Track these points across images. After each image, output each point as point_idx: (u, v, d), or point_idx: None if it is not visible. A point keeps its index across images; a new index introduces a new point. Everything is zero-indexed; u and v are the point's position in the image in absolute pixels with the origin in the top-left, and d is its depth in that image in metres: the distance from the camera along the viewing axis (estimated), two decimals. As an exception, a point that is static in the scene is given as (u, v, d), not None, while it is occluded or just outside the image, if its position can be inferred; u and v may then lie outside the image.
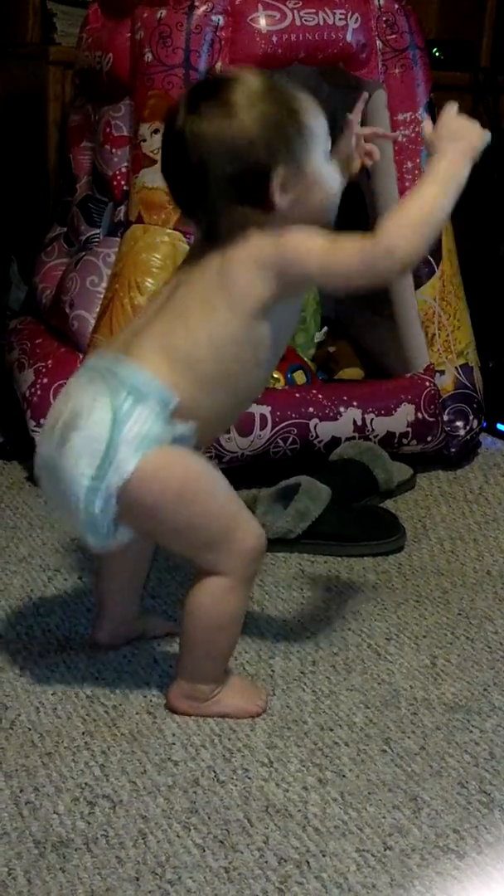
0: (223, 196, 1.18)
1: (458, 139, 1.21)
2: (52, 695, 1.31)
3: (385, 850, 1.08)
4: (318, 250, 1.19)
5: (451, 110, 1.24)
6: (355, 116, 1.39)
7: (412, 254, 1.18)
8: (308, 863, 1.05)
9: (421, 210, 1.18)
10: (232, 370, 1.23)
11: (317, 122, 1.22)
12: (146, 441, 1.18)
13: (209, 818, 1.11)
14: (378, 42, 2.02)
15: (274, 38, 1.92)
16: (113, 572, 1.39)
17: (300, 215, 1.21)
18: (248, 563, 1.24)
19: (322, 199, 1.23)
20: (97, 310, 1.97)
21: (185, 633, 1.27)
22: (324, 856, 1.07)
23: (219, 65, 1.91)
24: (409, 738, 1.26)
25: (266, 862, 1.05)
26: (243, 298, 1.20)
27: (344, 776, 1.19)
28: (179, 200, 1.24)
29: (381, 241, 1.17)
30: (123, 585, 1.40)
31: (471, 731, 1.28)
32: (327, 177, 1.23)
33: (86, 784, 1.16)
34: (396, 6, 2.03)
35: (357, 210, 2.29)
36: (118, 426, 1.17)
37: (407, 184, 2.06)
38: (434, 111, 2.09)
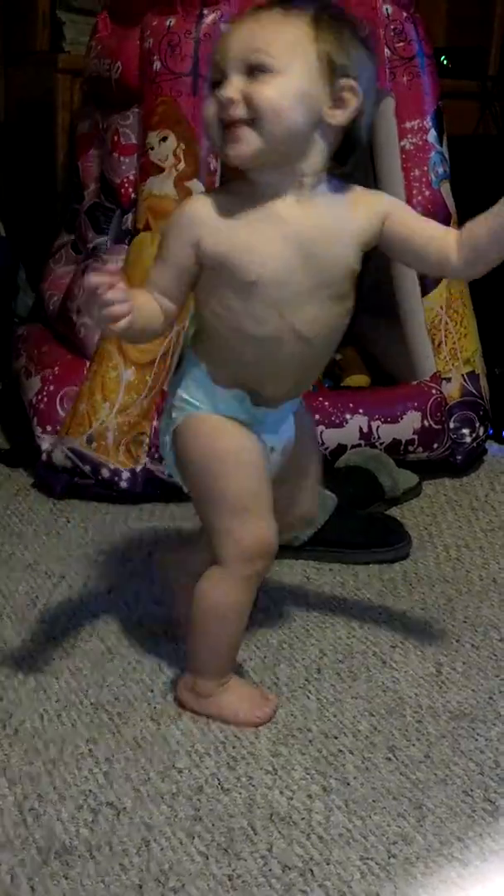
0: None
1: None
2: (57, 702, 1.31)
3: (389, 858, 1.08)
4: None
5: None
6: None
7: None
8: (312, 871, 1.05)
9: None
10: (216, 330, 1.23)
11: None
12: (187, 405, 1.26)
13: (213, 826, 1.11)
14: (386, 50, 2.02)
15: (282, 47, 1.91)
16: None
17: None
18: (245, 562, 1.24)
19: None
20: (104, 317, 1.97)
21: (192, 627, 1.29)
22: (328, 864, 1.06)
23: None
24: (413, 746, 1.26)
25: (270, 870, 1.05)
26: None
27: (348, 784, 1.19)
28: None
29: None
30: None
31: (476, 740, 1.28)
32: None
33: (89, 791, 1.15)
34: (404, 14, 2.03)
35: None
36: (176, 387, 1.28)
37: (414, 191, 2.06)
38: (442, 120, 2.10)
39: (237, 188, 1.20)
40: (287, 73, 1.13)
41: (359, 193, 1.24)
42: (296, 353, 1.23)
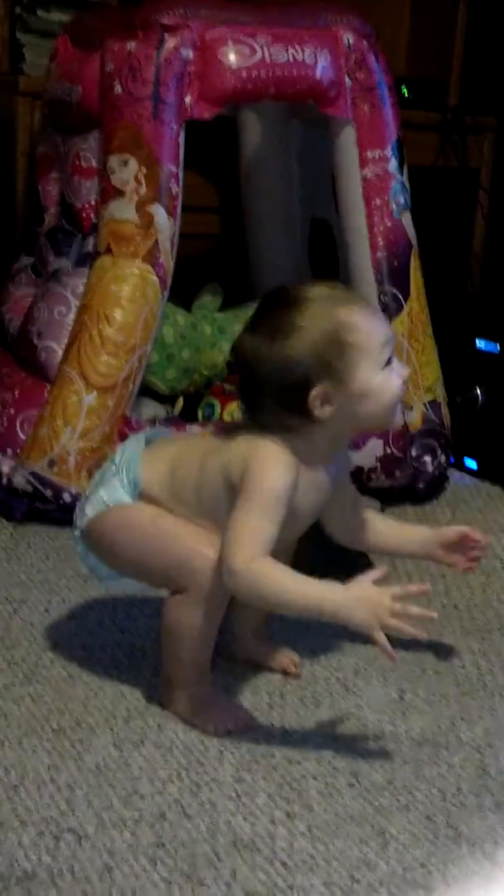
0: (270, 401, 1.28)
1: (367, 608, 1.22)
2: (18, 728, 1.30)
3: (353, 883, 1.07)
4: (255, 508, 1.25)
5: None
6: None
7: (238, 594, 1.26)
8: (276, 897, 1.05)
9: (273, 601, 1.25)
10: (207, 515, 1.32)
11: (368, 339, 1.27)
12: (105, 505, 1.35)
13: (176, 852, 1.10)
14: (347, 79, 2.04)
15: (244, 74, 1.93)
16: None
17: (352, 423, 1.31)
18: (203, 580, 1.28)
19: (373, 409, 1.29)
20: (65, 341, 1.97)
21: (162, 642, 1.36)
22: (291, 889, 1.06)
23: (188, 98, 1.92)
24: (376, 772, 1.26)
25: (233, 897, 1.04)
26: (228, 480, 1.29)
27: (312, 810, 1.18)
28: (243, 398, 1.33)
29: (242, 576, 1.22)
30: (234, 605, 1.43)
31: (438, 766, 1.28)
32: (378, 388, 1.28)
33: (51, 818, 1.14)
34: (366, 44, 2.05)
35: (327, 244, 2.31)
36: (96, 490, 1.37)
37: (376, 220, 2.07)
38: (402, 150, 2.12)
39: (295, 443, 1.29)
40: None
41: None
42: None
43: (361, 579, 1.23)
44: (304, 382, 1.25)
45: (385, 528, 1.50)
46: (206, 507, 1.31)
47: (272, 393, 1.27)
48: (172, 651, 1.33)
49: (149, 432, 1.46)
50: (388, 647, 1.20)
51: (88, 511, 1.36)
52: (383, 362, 1.29)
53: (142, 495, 1.34)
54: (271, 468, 1.26)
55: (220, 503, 1.29)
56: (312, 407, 1.26)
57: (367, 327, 1.28)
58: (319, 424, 1.28)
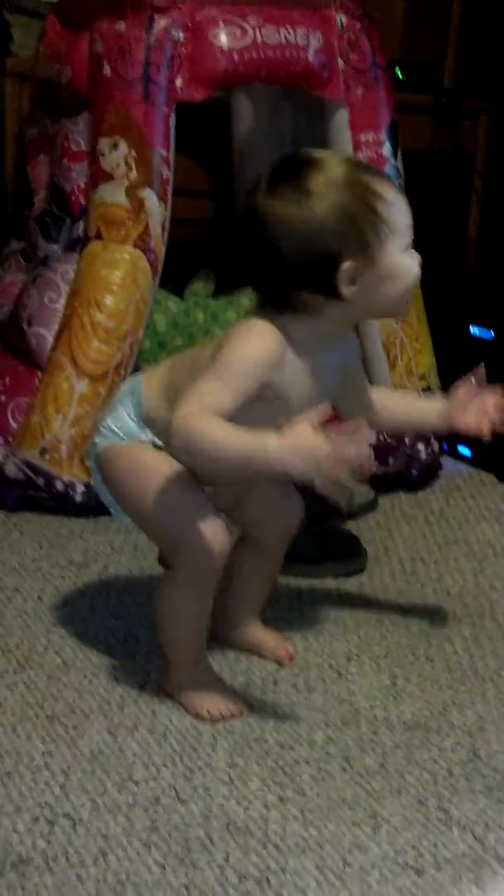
0: (289, 278, 1.20)
1: (302, 454, 1.11)
2: (12, 715, 1.30)
3: (345, 866, 1.08)
4: (219, 372, 1.18)
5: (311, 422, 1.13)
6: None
7: (178, 452, 1.23)
8: (268, 880, 1.05)
9: (216, 449, 1.14)
10: None
11: (397, 215, 1.21)
12: (113, 433, 1.33)
13: (170, 836, 1.11)
14: (340, 61, 2.02)
15: (235, 56, 1.91)
16: (231, 579, 1.42)
17: (371, 305, 1.24)
18: (190, 563, 1.27)
19: (395, 291, 1.23)
20: (56, 327, 1.96)
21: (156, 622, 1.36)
22: (284, 873, 1.06)
23: (179, 81, 1.90)
24: (368, 756, 1.27)
25: (227, 879, 1.05)
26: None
27: (304, 794, 1.19)
28: (249, 272, 1.24)
29: (182, 425, 1.15)
30: (236, 593, 1.46)
31: (430, 750, 1.28)
32: (402, 270, 1.23)
33: (46, 803, 1.15)
34: (359, 25, 2.04)
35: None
36: (104, 418, 1.35)
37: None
38: (397, 133, 2.11)
39: (294, 325, 1.22)
40: None
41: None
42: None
43: (298, 422, 1.11)
44: (335, 255, 1.17)
45: (403, 405, 1.44)
46: None
47: (295, 268, 1.18)
48: (166, 631, 1.34)
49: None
50: (335, 495, 1.12)
51: (98, 440, 1.34)
52: (407, 245, 1.23)
53: (147, 419, 1.31)
54: (247, 340, 1.20)
55: None
56: (339, 284, 1.18)
57: (396, 202, 1.21)
58: (337, 305, 1.21)
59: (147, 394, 1.32)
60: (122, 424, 1.33)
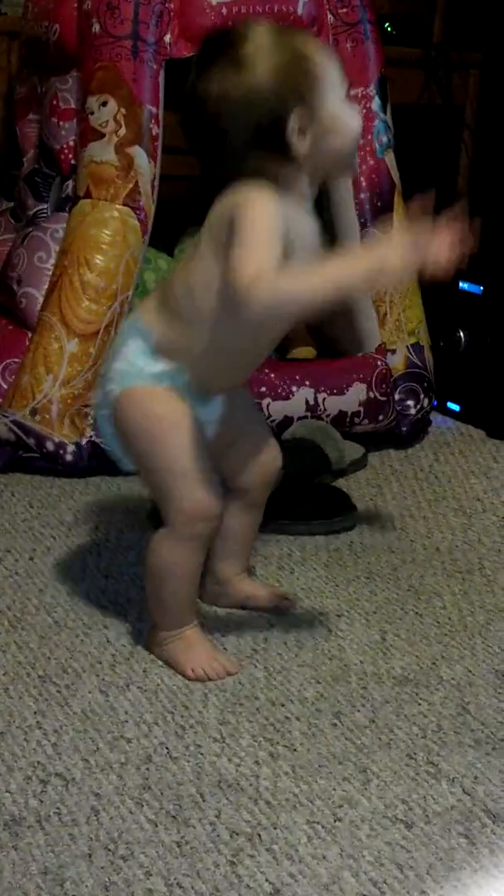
0: (244, 148, 1.22)
1: (386, 258, 1.15)
2: (4, 675, 1.31)
3: (335, 821, 1.09)
4: (251, 235, 1.17)
5: (405, 230, 1.18)
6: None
7: (260, 316, 1.19)
8: (259, 836, 1.07)
9: (308, 300, 1.16)
10: (206, 309, 1.27)
11: (328, 66, 1.25)
12: (128, 375, 1.31)
13: (161, 794, 1.12)
14: (329, 16, 2.01)
15: (224, 11, 1.89)
16: (218, 535, 1.43)
17: (322, 161, 1.26)
18: (187, 525, 1.30)
19: (341, 143, 1.26)
20: (45, 287, 1.95)
21: (145, 580, 1.37)
22: (275, 828, 1.08)
23: (168, 37, 1.89)
24: (358, 711, 1.28)
25: (218, 836, 1.06)
26: (214, 237, 1.24)
27: (295, 750, 1.20)
28: (202, 159, 1.27)
29: (254, 294, 1.14)
30: (224, 549, 1.47)
31: (419, 704, 1.30)
32: (345, 120, 1.25)
33: (38, 763, 1.16)
34: (347, -21, 2.02)
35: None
36: (111, 362, 1.33)
37: (358, 160, 2.05)
38: (386, 87, 2.09)
39: (282, 194, 1.23)
40: None
41: None
42: (263, 347, 1.35)
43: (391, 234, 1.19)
44: (280, 112, 1.20)
45: None
46: (203, 301, 1.26)
47: (247, 135, 1.21)
48: (156, 592, 1.35)
49: None
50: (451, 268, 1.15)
51: (112, 387, 1.32)
52: (343, 98, 1.26)
53: (159, 346, 1.30)
54: (256, 201, 1.21)
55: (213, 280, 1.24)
56: (291, 139, 1.21)
57: (324, 57, 1.25)
58: (296, 164, 1.23)
59: (148, 322, 1.31)
60: (132, 364, 1.31)
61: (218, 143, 1.23)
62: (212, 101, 1.21)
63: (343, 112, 1.25)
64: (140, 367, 1.31)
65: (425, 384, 2.17)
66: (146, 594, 1.37)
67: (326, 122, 1.23)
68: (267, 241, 1.18)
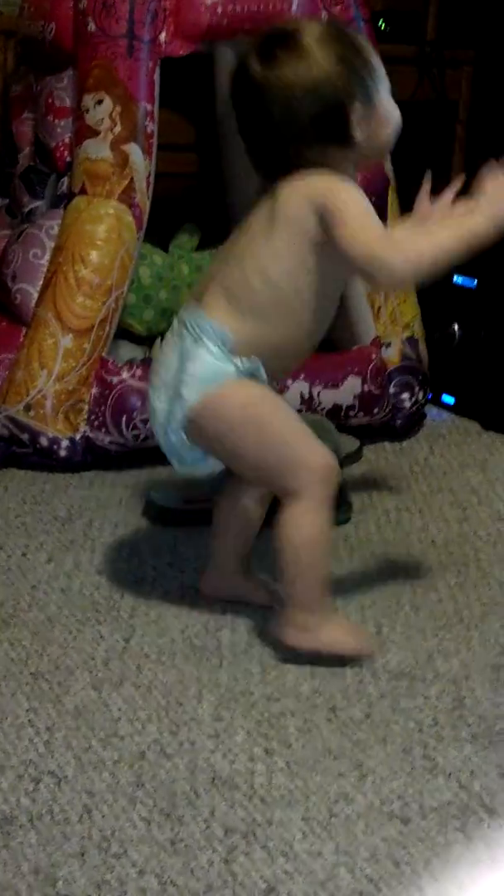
0: (306, 135, 1.25)
1: (494, 204, 1.27)
2: (-3, 671, 1.31)
3: (330, 817, 1.08)
4: (355, 211, 1.24)
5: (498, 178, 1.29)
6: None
7: (403, 283, 1.28)
8: (254, 833, 1.06)
9: (439, 254, 1.23)
10: (285, 301, 1.30)
11: (378, 61, 1.30)
12: (206, 378, 1.30)
13: (155, 791, 1.11)
14: (323, 13, 2.01)
15: (219, 9, 1.91)
16: (222, 528, 1.45)
17: (371, 149, 1.31)
18: (320, 482, 1.30)
19: (389, 132, 1.31)
20: (40, 283, 1.95)
21: (284, 567, 1.33)
22: (270, 825, 1.07)
23: (163, 35, 1.89)
24: (354, 706, 1.27)
25: (212, 833, 1.05)
26: (295, 227, 1.27)
27: (290, 746, 1.19)
28: (258, 151, 1.30)
29: (391, 255, 1.22)
30: (227, 542, 1.47)
31: (415, 699, 1.29)
32: (392, 113, 1.31)
33: (30, 761, 1.15)
34: (341, -25, 2.02)
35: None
36: (182, 366, 1.30)
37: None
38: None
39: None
40: None
41: None
42: (320, 325, 1.36)
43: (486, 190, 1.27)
44: (345, 100, 1.25)
45: None
46: (287, 291, 1.29)
47: (310, 124, 1.24)
48: (307, 571, 1.32)
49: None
50: None
51: (188, 393, 1.30)
52: (389, 88, 1.31)
53: (238, 343, 1.30)
54: (342, 183, 1.26)
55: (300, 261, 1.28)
56: (354, 128, 1.26)
57: (374, 51, 1.30)
58: (350, 153, 1.28)
59: (220, 321, 1.30)
60: (211, 364, 1.30)
61: (278, 130, 1.26)
62: (277, 89, 1.24)
63: (391, 104, 1.30)
64: (220, 367, 1.30)
65: (420, 377, 2.17)
66: (286, 582, 1.33)
67: (381, 112, 1.28)
68: (372, 214, 1.25)
